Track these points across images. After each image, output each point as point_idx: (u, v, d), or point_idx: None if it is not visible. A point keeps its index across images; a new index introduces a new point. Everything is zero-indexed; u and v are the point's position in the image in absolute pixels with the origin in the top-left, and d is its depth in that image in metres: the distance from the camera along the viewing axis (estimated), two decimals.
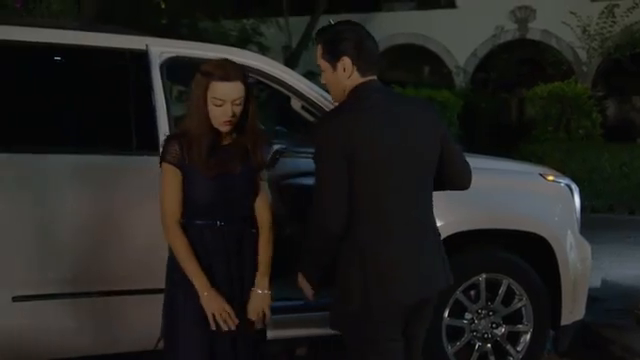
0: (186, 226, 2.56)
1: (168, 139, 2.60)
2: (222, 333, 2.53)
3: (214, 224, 2.57)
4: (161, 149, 2.60)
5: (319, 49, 2.58)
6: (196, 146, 2.52)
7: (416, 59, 19.29)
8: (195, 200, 2.55)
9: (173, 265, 2.59)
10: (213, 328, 2.51)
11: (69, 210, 3.22)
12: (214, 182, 2.54)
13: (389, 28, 18.91)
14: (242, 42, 15.60)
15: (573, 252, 4.05)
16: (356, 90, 2.53)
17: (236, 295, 2.59)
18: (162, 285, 2.66)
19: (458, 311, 3.96)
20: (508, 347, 4.00)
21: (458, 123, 12.65)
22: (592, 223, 5.95)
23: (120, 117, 3.45)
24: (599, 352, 4.66)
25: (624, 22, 15.09)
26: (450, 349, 3.93)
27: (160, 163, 2.58)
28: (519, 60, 16.79)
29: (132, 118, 3.41)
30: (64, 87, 3.45)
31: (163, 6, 14.45)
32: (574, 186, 4.23)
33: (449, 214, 3.76)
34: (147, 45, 3.49)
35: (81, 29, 3.63)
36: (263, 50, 15.66)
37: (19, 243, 3.16)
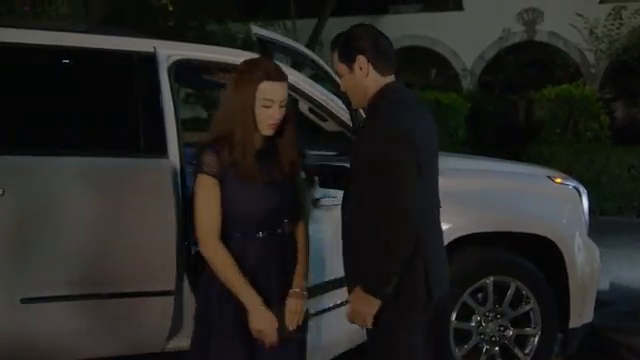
0: (226, 240, 2.41)
1: (203, 148, 2.39)
2: (265, 348, 2.41)
3: (256, 236, 2.43)
4: (196, 160, 2.40)
5: (335, 55, 2.57)
6: (241, 152, 2.35)
7: (423, 61, 19.26)
8: (236, 212, 2.39)
9: (209, 281, 2.44)
10: (260, 344, 2.39)
11: (76, 213, 3.21)
12: (258, 191, 2.39)
13: (396, 30, 18.89)
14: (249, 45, 15.63)
15: (581, 255, 4.03)
16: (388, 90, 2.51)
17: (276, 305, 2.45)
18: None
19: (466, 314, 3.95)
20: (516, 350, 3.99)
21: (465, 126, 12.61)
22: (600, 226, 5.92)
23: (128, 120, 3.45)
24: (607, 355, 4.64)
25: (631, 24, 15.04)
26: (458, 352, 3.93)
27: (194, 175, 2.40)
28: (526, 62, 16.74)
29: (140, 121, 3.41)
30: (72, 90, 3.44)
31: (170, 8, 14.49)
32: (582, 188, 4.22)
33: (458, 217, 3.77)
34: (155, 47, 3.50)
35: (88, 32, 3.64)
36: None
37: (28, 245, 3.17)
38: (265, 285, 2.43)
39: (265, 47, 3.79)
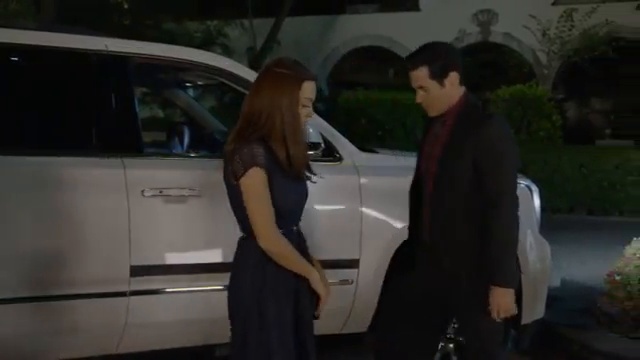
0: None
1: (249, 143, 2.40)
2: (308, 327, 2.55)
3: (292, 230, 2.52)
4: (240, 155, 2.39)
5: (423, 71, 2.82)
6: (297, 148, 2.43)
7: (381, 61, 19.39)
8: (283, 206, 2.44)
9: (263, 279, 2.45)
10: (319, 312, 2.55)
11: (30, 212, 3.15)
12: (299, 186, 2.49)
13: (353, 30, 19.00)
14: (206, 44, 15.52)
15: (533, 252, 4.10)
16: (469, 96, 2.90)
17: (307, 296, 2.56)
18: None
19: None
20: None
21: (422, 125, 12.73)
22: (552, 223, 6.04)
23: (81, 118, 3.40)
24: (559, 351, 4.72)
25: (582, 26, 15.36)
26: None
27: (244, 170, 2.38)
28: (482, 63, 16.98)
29: (93, 119, 3.37)
30: (22, 88, 3.37)
31: (126, 6, 14.30)
32: (534, 187, 4.30)
33: (406, 217, 3.81)
34: (107, 46, 3.45)
35: (38, 29, 3.57)
36: (227, 52, 15.59)
37: None
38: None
39: None
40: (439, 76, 2.82)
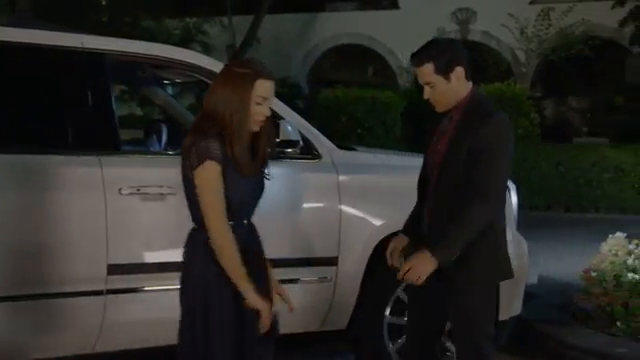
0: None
1: (206, 137, 2.47)
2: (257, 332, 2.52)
3: (242, 224, 2.57)
4: (196, 148, 2.46)
5: (428, 67, 2.85)
6: (242, 147, 2.48)
7: (361, 59, 19.42)
8: (233, 200, 2.50)
9: (208, 276, 2.51)
10: (262, 330, 2.51)
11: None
12: (250, 181, 2.54)
13: (333, 28, 19.00)
14: (185, 41, 15.44)
15: (510, 249, 4.10)
16: (476, 91, 2.95)
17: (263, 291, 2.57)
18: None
19: (400, 309, 4.01)
20: (448, 344, 4.06)
21: (401, 123, 12.77)
22: (530, 221, 6.08)
23: (56, 116, 3.37)
24: (535, 347, 4.76)
25: (559, 25, 15.53)
26: (392, 347, 3.98)
27: (199, 163, 2.46)
28: None
29: (69, 117, 3.34)
30: None
31: (104, 3, 14.19)
32: (511, 184, 4.32)
33: (392, 213, 3.83)
34: (82, 43, 3.42)
35: (12, 25, 3.52)
36: (207, 49, 15.52)
37: None
38: (252, 271, 2.54)
39: None
40: (445, 71, 2.86)
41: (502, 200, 2.91)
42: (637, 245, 5.36)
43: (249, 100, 2.49)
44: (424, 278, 2.79)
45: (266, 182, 2.65)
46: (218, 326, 2.50)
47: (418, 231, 3.07)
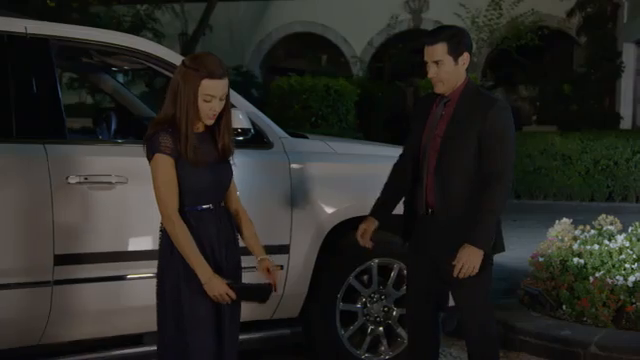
0: (185, 214, 2.65)
1: (158, 131, 2.62)
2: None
3: (208, 209, 2.69)
4: (148, 142, 2.63)
5: (442, 46, 3.04)
6: (187, 139, 2.61)
7: (315, 48, 19.39)
8: (187, 188, 2.64)
9: (177, 269, 2.64)
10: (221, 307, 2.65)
11: None
12: (207, 169, 2.65)
13: (287, 16, 18.91)
14: (136, 28, 15.17)
15: None
16: (470, 80, 3.13)
17: (232, 270, 2.74)
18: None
19: (351, 296, 4.04)
20: (399, 330, 4.11)
21: (355, 111, 12.82)
22: None
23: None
24: None
25: (510, 14, 15.79)
26: (344, 333, 4.01)
27: (151, 155, 2.62)
28: (413, 50, 17.21)
29: (13, 104, 3.25)
30: None
31: None
32: None
33: (342, 201, 3.90)
34: (26, 28, 3.33)
35: None
36: (158, 37, 15.28)
37: None
38: (222, 254, 2.72)
39: None
40: (456, 52, 3.05)
41: (512, 177, 3.10)
42: (582, 231, 5.51)
43: (196, 97, 2.61)
44: (478, 268, 3.00)
45: None
46: (193, 321, 2.64)
47: (416, 212, 3.18)
